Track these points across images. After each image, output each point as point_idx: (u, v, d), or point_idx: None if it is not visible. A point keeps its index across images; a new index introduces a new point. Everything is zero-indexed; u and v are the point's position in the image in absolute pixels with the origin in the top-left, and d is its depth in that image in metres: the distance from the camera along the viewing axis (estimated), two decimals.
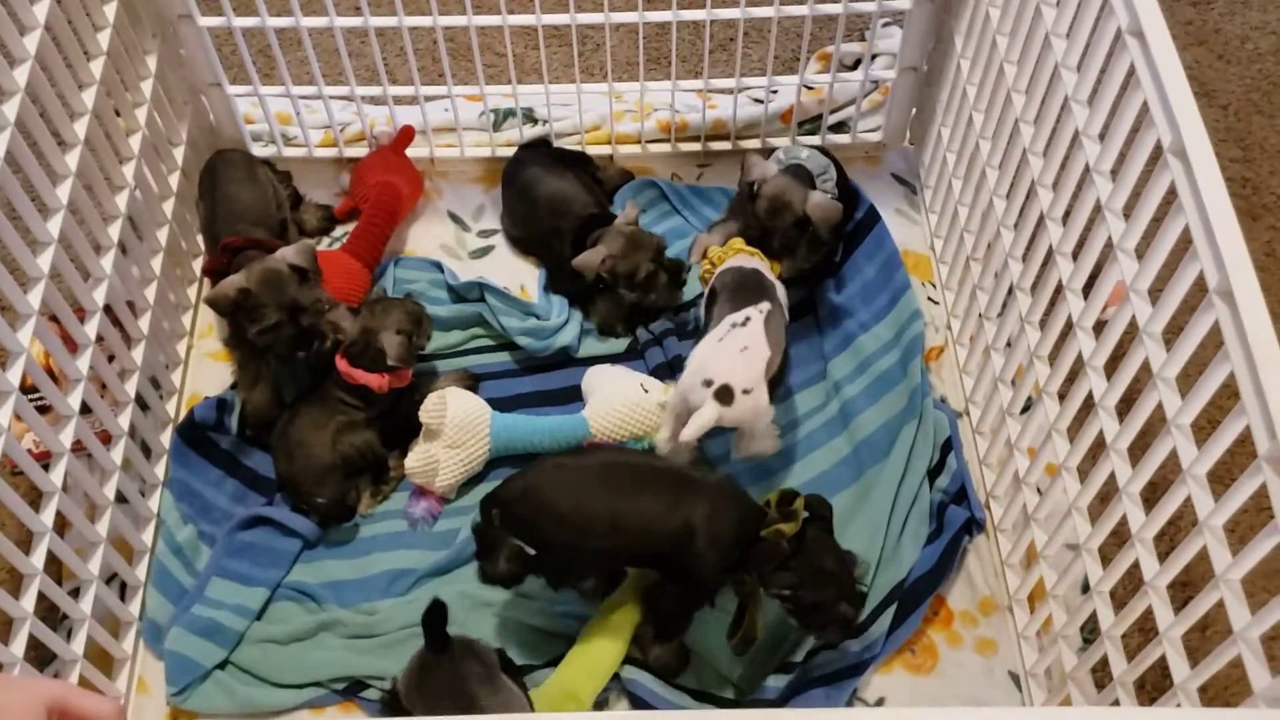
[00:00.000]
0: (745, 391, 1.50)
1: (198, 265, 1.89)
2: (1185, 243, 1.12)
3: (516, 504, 1.46)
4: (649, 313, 1.84)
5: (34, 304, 1.36)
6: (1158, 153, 1.16)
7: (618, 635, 1.52)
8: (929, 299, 1.88)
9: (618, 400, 1.68)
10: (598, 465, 1.49)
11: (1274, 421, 0.96)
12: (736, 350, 1.53)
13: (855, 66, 2.07)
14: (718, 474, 1.55)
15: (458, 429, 1.66)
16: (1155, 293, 1.21)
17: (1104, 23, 1.26)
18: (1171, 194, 1.14)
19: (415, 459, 1.66)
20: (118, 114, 1.63)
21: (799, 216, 1.68)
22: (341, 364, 1.64)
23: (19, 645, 1.28)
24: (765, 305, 1.58)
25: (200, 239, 1.89)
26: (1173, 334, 1.16)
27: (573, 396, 1.77)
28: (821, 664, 1.52)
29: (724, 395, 1.49)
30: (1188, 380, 1.13)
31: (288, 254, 1.63)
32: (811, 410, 1.78)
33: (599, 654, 1.51)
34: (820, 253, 1.78)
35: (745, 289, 1.61)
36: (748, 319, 1.56)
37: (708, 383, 1.50)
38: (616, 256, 1.75)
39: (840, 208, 1.71)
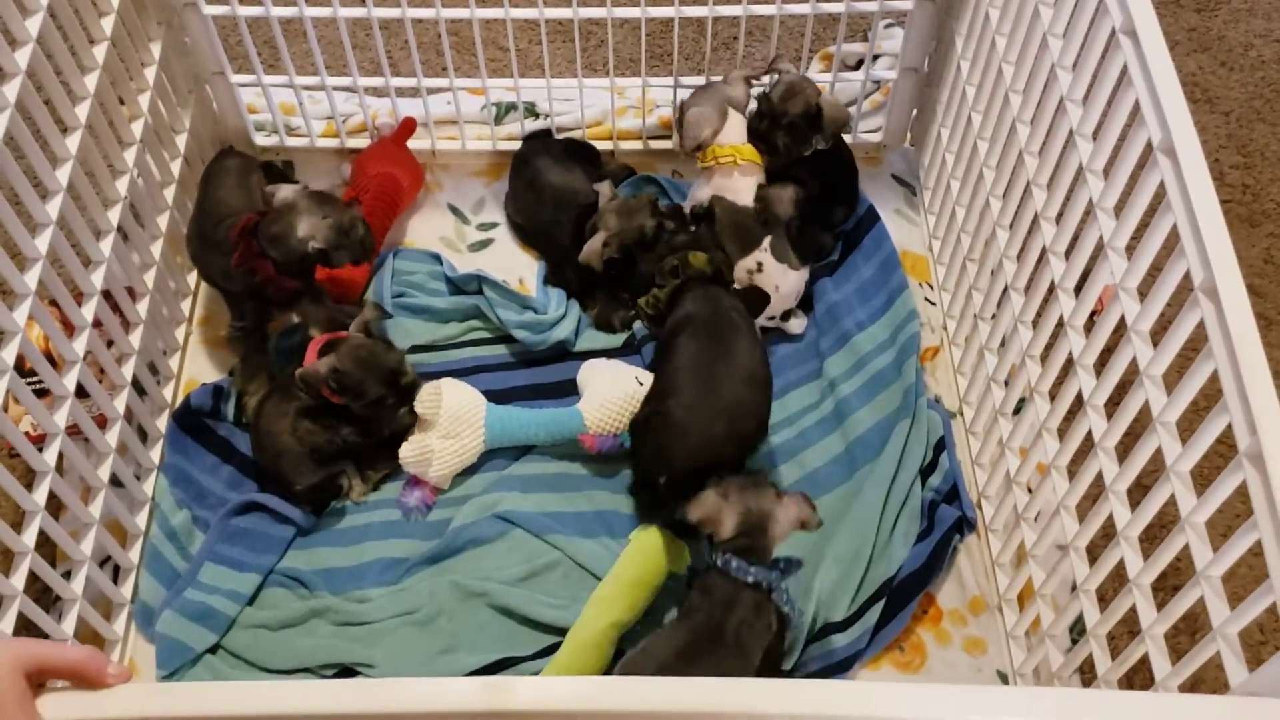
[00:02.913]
0: (798, 296, 1.80)
1: None
2: (1174, 241, 1.12)
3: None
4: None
5: (30, 284, 1.38)
6: (1149, 152, 1.17)
7: (603, 647, 1.50)
8: (926, 299, 1.89)
9: (612, 394, 1.69)
10: (690, 368, 1.51)
11: (1255, 418, 0.96)
12: (772, 291, 1.71)
13: (858, 66, 2.07)
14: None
15: (452, 420, 1.67)
16: (1146, 292, 1.21)
17: (1099, 22, 1.27)
18: (1161, 193, 1.14)
19: (410, 449, 1.67)
20: (121, 100, 1.64)
21: (811, 106, 1.77)
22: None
23: (8, 623, 1.29)
24: (765, 241, 1.75)
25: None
26: (1163, 332, 1.16)
27: (568, 390, 1.78)
28: (808, 660, 1.53)
29: (786, 316, 1.80)
30: (1179, 379, 1.13)
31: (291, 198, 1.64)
32: (806, 408, 1.78)
33: (583, 662, 1.50)
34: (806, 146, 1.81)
35: (741, 229, 1.75)
36: (759, 264, 1.74)
37: (770, 318, 1.79)
38: (615, 233, 1.76)
39: (849, 114, 1.86)
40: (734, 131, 1.77)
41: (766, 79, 1.83)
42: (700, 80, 1.91)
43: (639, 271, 1.79)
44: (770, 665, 1.38)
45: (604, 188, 1.82)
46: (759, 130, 1.80)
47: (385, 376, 1.59)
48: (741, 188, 1.76)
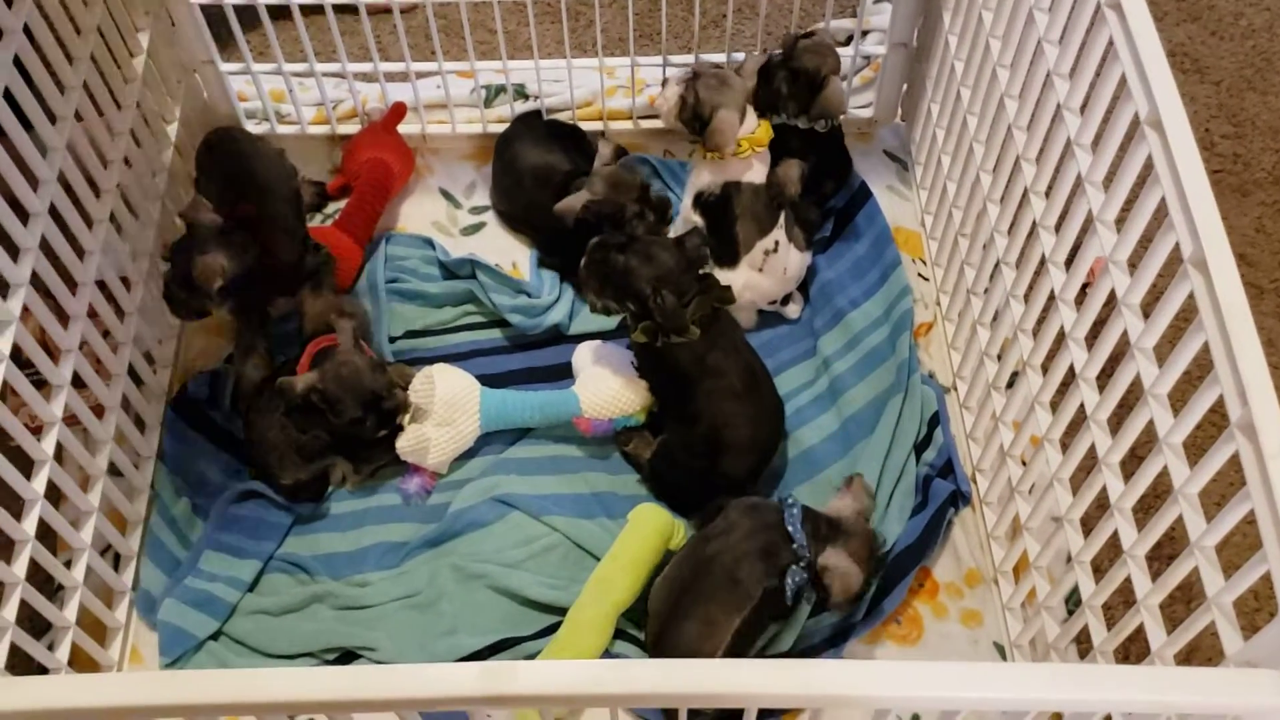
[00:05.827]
0: (798, 280, 1.83)
1: None
2: (1163, 213, 1.12)
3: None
4: None
5: (24, 274, 1.38)
6: (1137, 126, 1.17)
7: (603, 626, 1.51)
8: (919, 275, 1.89)
9: (607, 377, 1.69)
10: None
11: (1246, 389, 0.97)
12: (780, 274, 1.78)
13: (847, 43, 2.07)
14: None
15: (447, 407, 1.67)
16: (1136, 264, 1.21)
17: None
18: (1149, 166, 1.15)
19: (407, 440, 1.66)
20: (110, 90, 1.64)
21: (820, 71, 1.80)
22: None
23: (10, 610, 1.30)
24: (780, 219, 1.76)
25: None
26: (1154, 305, 1.16)
27: (563, 373, 1.78)
28: (805, 635, 1.54)
29: (786, 300, 1.85)
30: (1171, 350, 1.13)
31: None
32: (801, 386, 1.79)
33: (583, 642, 1.51)
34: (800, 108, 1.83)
35: (761, 209, 1.76)
36: (776, 243, 1.75)
37: (771, 302, 1.83)
38: (599, 199, 1.75)
39: (845, 106, 1.90)
40: (751, 122, 1.77)
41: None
42: (690, 59, 1.90)
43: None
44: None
45: (604, 148, 1.81)
46: (769, 72, 1.81)
47: (365, 397, 1.58)
48: (756, 172, 1.76)
